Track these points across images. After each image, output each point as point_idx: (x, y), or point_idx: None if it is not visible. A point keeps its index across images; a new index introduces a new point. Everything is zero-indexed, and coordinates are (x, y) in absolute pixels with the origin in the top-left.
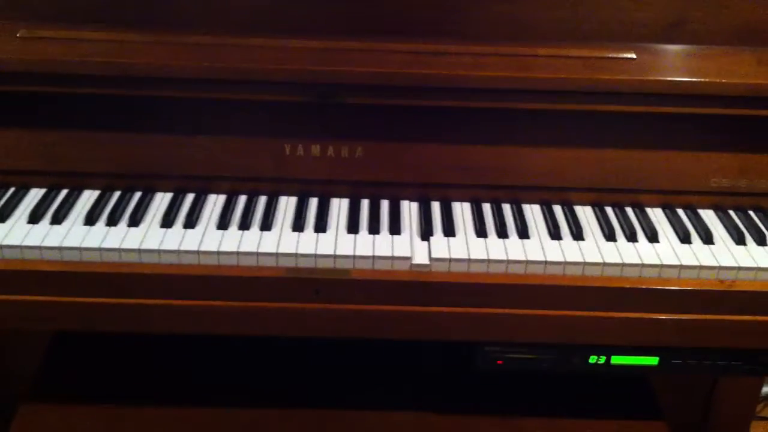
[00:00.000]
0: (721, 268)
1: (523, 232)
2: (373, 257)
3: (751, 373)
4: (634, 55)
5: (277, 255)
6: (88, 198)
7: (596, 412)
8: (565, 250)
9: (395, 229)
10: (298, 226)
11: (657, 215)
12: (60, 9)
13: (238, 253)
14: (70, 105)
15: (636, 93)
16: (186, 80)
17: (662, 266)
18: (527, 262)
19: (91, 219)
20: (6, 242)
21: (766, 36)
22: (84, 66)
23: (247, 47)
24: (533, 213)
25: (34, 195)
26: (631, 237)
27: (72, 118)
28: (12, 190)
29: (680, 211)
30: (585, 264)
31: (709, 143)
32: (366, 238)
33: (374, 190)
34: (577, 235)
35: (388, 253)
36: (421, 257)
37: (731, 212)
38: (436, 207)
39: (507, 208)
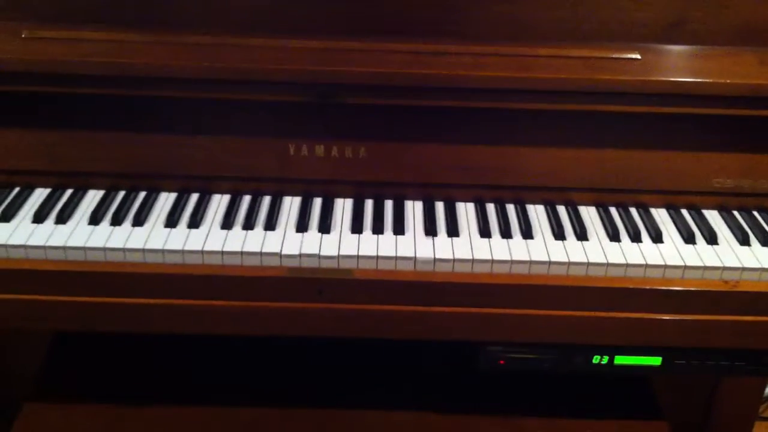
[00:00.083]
0: (725, 268)
1: (527, 233)
2: (377, 257)
3: (755, 373)
4: (636, 56)
5: (280, 255)
6: (92, 198)
7: (597, 412)
8: (569, 251)
9: (399, 229)
10: (301, 226)
11: (661, 216)
12: (61, 9)
13: (242, 253)
14: (72, 105)
15: (637, 93)
16: (186, 80)
17: (666, 267)
18: (531, 262)
19: (95, 219)
20: (11, 242)
21: None
22: (85, 66)
23: (247, 47)
24: (537, 213)
25: (39, 195)
26: (635, 237)
27: (74, 118)
28: (17, 189)
29: (684, 212)
30: (589, 264)
31: (711, 143)
32: (370, 238)
33: (378, 190)
34: (581, 235)
35: (392, 253)
36: (424, 257)
37: (735, 213)
38: (439, 207)
39: (511, 209)
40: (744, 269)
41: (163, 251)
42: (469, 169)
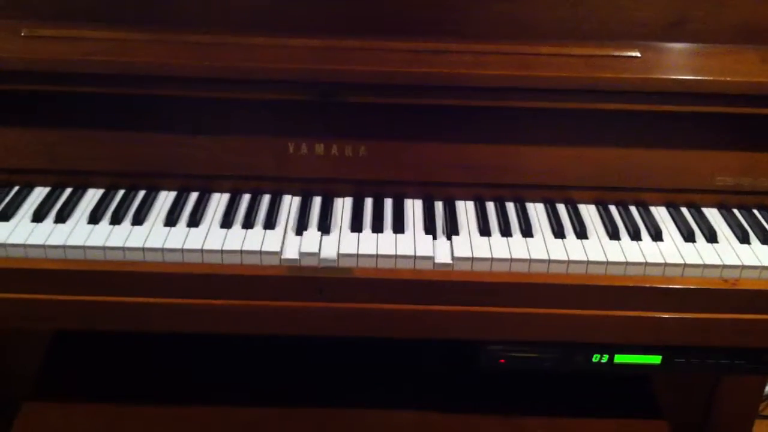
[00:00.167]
0: (725, 266)
1: (527, 231)
2: (377, 256)
3: (755, 372)
4: (636, 54)
5: (280, 254)
6: (92, 197)
7: (597, 412)
8: (569, 249)
9: (398, 227)
10: (301, 225)
11: (661, 214)
12: (61, 8)
13: (241, 251)
14: (73, 104)
15: (638, 91)
16: (187, 79)
17: (666, 265)
18: (531, 260)
19: (95, 218)
20: (10, 241)
21: None
22: (85, 65)
23: (248, 46)
24: (537, 211)
25: (38, 194)
26: (635, 236)
27: (74, 117)
28: (16, 188)
29: (684, 210)
30: (589, 263)
31: (712, 142)
32: (369, 236)
33: (377, 188)
34: (581, 233)
35: (392, 252)
36: (424, 256)
37: (735, 211)
38: (439, 206)
39: (510, 207)
40: (744, 267)
41: (162, 250)
42: (470, 167)
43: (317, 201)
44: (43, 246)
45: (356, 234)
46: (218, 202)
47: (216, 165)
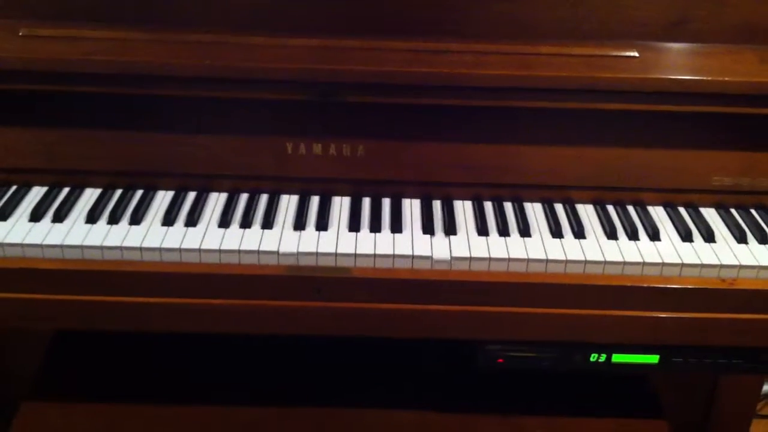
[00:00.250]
0: (722, 266)
1: (525, 231)
2: (374, 255)
3: (752, 371)
4: (636, 54)
5: (278, 253)
6: (89, 196)
7: (597, 411)
8: (567, 249)
9: (396, 227)
10: (299, 224)
11: (659, 213)
12: (60, 8)
13: (239, 251)
14: (71, 103)
15: (637, 91)
16: (187, 79)
17: (664, 264)
18: (529, 260)
19: (92, 217)
20: (7, 240)
21: None
22: (85, 64)
23: (248, 46)
24: (535, 211)
25: (36, 193)
26: (633, 235)
27: (73, 117)
28: (14, 188)
29: (682, 210)
30: (586, 262)
31: (710, 141)
32: (367, 236)
33: (376, 188)
34: (579, 233)
35: (390, 252)
36: (422, 256)
37: (733, 210)
38: (437, 205)
39: (508, 207)
40: (741, 267)
41: (160, 250)
42: (469, 167)
43: (315, 201)
44: (40, 245)
45: (354, 233)
46: (216, 201)
47: (215, 164)
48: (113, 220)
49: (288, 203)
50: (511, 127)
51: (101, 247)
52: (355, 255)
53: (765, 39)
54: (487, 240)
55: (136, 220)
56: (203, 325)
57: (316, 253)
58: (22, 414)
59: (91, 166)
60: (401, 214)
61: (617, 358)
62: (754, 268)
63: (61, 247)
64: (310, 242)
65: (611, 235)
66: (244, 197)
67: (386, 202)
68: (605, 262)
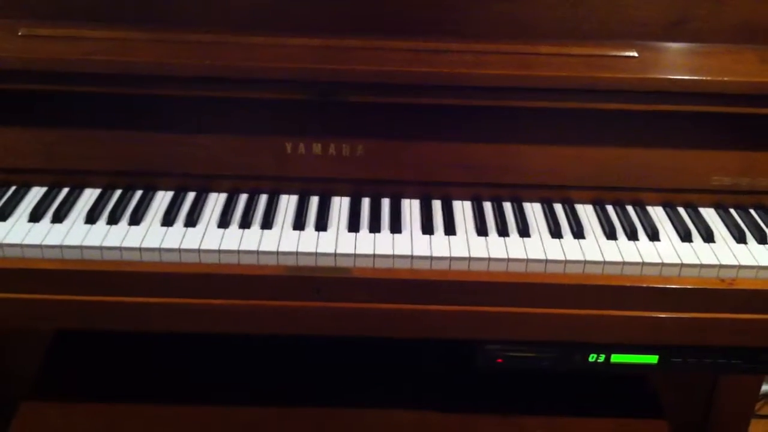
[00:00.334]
0: (721, 266)
1: (524, 231)
2: (374, 256)
3: (751, 371)
4: (635, 53)
5: (277, 253)
6: (89, 196)
7: (597, 411)
8: (566, 249)
9: (396, 227)
10: (298, 224)
11: (658, 213)
12: (60, 7)
13: (239, 251)
14: (71, 103)
15: (637, 91)
16: (187, 79)
17: (663, 265)
18: (528, 260)
19: (92, 217)
20: (7, 241)
21: None
22: (85, 64)
23: (249, 45)
24: (534, 211)
25: (35, 193)
26: (632, 235)
27: (72, 117)
28: (13, 188)
29: (681, 210)
30: (586, 262)
31: (710, 141)
32: (367, 236)
33: (375, 188)
34: (578, 233)
35: (389, 252)
36: (421, 256)
37: (732, 210)
38: (437, 205)
39: (508, 207)
40: (741, 267)
41: (159, 250)
42: (469, 167)
43: (315, 201)
44: (39, 246)
45: (353, 234)
46: (215, 201)
47: (214, 164)
48: (112, 220)
49: (287, 203)
50: (511, 126)
51: (100, 248)
52: (355, 255)
53: (765, 39)
54: (486, 240)
55: (135, 220)
56: (203, 325)
57: (316, 254)
58: (21, 414)
59: (91, 166)
60: (401, 214)
61: (616, 358)
62: (753, 268)
63: (61, 247)
64: (310, 242)
65: (610, 235)
66: (243, 197)
67: (386, 202)
68: (604, 263)
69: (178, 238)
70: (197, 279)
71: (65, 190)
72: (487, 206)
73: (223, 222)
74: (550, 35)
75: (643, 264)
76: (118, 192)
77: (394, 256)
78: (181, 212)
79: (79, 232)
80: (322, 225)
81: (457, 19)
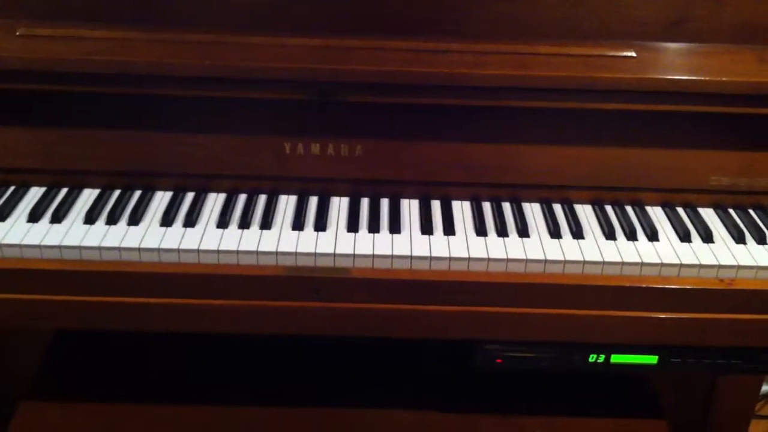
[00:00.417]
0: (720, 266)
1: (523, 231)
2: (373, 256)
3: (751, 371)
4: (634, 54)
5: (276, 254)
6: (87, 197)
7: (597, 411)
8: (565, 249)
9: (395, 227)
10: (297, 224)
11: (657, 214)
12: (59, 7)
13: (238, 252)
14: (70, 103)
15: (636, 91)
16: (187, 78)
17: (662, 265)
18: (527, 260)
19: (90, 218)
20: (5, 241)
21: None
22: (85, 64)
23: (248, 45)
24: (533, 211)
25: (34, 194)
26: (631, 236)
27: (72, 117)
28: (12, 188)
29: (680, 210)
30: (585, 263)
31: (709, 141)
32: (366, 236)
33: (374, 188)
34: (577, 233)
35: (388, 252)
36: (420, 256)
37: (731, 211)
38: (436, 205)
39: (507, 207)
40: (740, 267)
41: (158, 250)
42: (469, 167)
43: (314, 201)
44: (38, 246)
45: (352, 234)
46: (215, 201)
47: (214, 164)
48: (111, 220)
49: (286, 203)
50: (510, 126)
51: (99, 248)
52: (354, 255)
53: (764, 39)
54: (485, 240)
55: (134, 220)
56: (202, 325)
57: (315, 254)
58: (21, 414)
59: (90, 167)
60: (400, 214)
61: (616, 358)
62: (752, 269)
63: (60, 247)
64: (309, 243)
65: (610, 235)
66: (242, 197)
67: (385, 203)
68: (604, 263)
69: (177, 238)
70: (196, 279)
71: (64, 191)
72: (486, 206)
73: (223, 222)
74: (549, 35)
75: (642, 264)
76: (117, 192)
77: (393, 257)
78: (180, 212)
79: (78, 233)
80: (321, 225)
81: (457, 19)
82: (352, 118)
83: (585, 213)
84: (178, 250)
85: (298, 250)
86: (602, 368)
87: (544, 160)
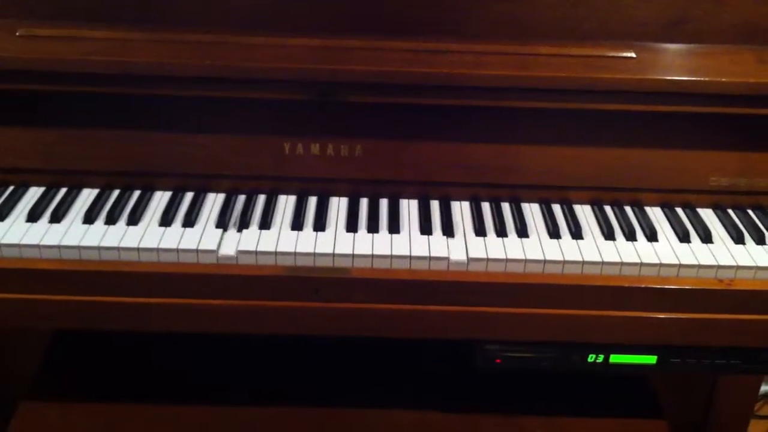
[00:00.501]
0: (719, 267)
1: (522, 231)
2: (372, 256)
3: (750, 371)
4: (633, 54)
5: (276, 254)
6: (87, 196)
7: (597, 411)
8: (564, 249)
9: (394, 227)
10: (297, 224)
11: (656, 214)
12: (59, 7)
13: (237, 251)
14: (70, 103)
15: (636, 92)
16: (187, 78)
17: (661, 265)
18: (526, 261)
19: (89, 217)
20: (5, 241)
21: (767, 34)
22: (85, 64)
23: (248, 45)
24: (532, 212)
25: (33, 193)
26: (630, 236)
27: (72, 117)
28: (11, 188)
29: (679, 210)
30: (584, 263)
31: (708, 142)
32: (365, 236)
33: (374, 188)
34: (576, 234)
35: (387, 252)
36: (420, 256)
37: (730, 211)
38: (435, 206)
39: (506, 207)
40: (739, 268)
41: (157, 250)
42: (469, 167)
43: (313, 201)
44: (37, 246)
45: (352, 234)
46: (214, 201)
47: (213, 164)
48: (111, 220)
49: (286, 203)
50: (510, 127)
51: (98, 248)
52: (353, 255)
53: (763, 39)
54: (484, 241)
55: (133, 220)
56: (202, 325)
57: (314, 254)
58: (20, 414)
59: (90, 167)
60: (399, 214)
61: (615, 358)
62: (751, 269)
63: (59, 247)
64: (308, 243)
65: (609, 235)
66: (241, 197)
67: (384, 203)
68: (603, 263)
69: (176, 238)
70: (196, 279)
71: (63, 190)
72: (486, 207)
73: (222, 222)
74: (549, 35)
75: (642, 264)
76: (116, 192)
77: (392, 257)
78: (179, 212)
79: (77, 232)
80: (320, 225)
81: (457, 19)
82: (351, 118)
83: (584, 213)
84: (177, 250)
85: (298, 250)
86: (601, 368)
87: (543, 160)
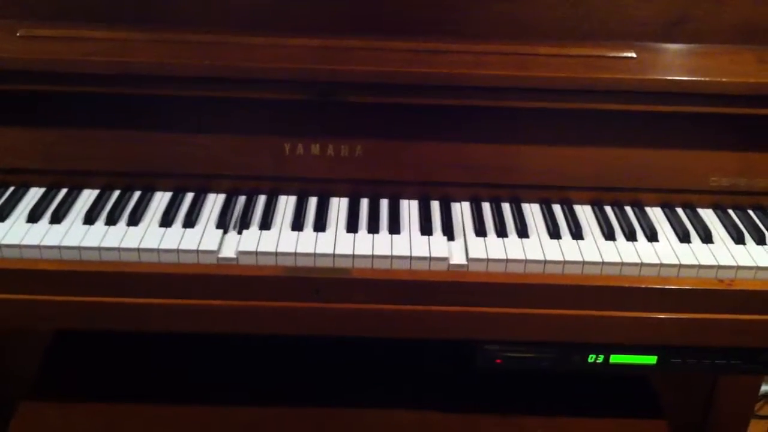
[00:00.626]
0: (720, 267)
1: (523, 231)
2: (372, 256)
3: (750, 371)
4: (633, 54)
5: (276, 254)
6: (87, 197)
7: (597, 411)
8: (565, 250)
9: (394, 228)
10: (297, 225)
11: (656, 214)
12: (59, 8)
13: (237, 252)
14: (70, 103)
15: (636, 92)
16: (187, 78)
17: (661, 265)
18: (526, 261)
19: (90, 218)
20: (5, 241)
21: (767, 34)
22: (85, 64)
23: (248, 46)
24: (532, 212)
25: (34, 194)
26: (631, 236)
27: (72, 117)
28: (11, 189)
29: (679, 210)
30: (584, 263)
31: (708, 142)
32: (365, 237)
33: (374, 188)
34: (577, 234)
35: (388, 253)
36: (420, 257)
37: (730, 211)
38: (435, 206)
39: (506, 207)
40: (739, 268)
41: (158, 251)
42: (469, 167)
43: (313, 201)
44: (38, 246)
45: (352, 234)
46: (214, 202)
47: (214, 164)
48: (111, 221)
49: (286, 204)
50: (510, 127)
51: (99, 248)
52: (353, 256)
53: (763, 39)
54: (485, 241)
55: (134, 221)
56: (202, 325)
57: (314, 254)
58: (20, 414)
59: (90, 167)
60: (399, 215)
61: (615, 358)
62: (751, 269)
63: (59, 248)
64: (308, 243)
65: (609, 236)
66: (242, 198)
67: (384, 203)
68: (603, 263)
69: (177, 238)
70: (196, 280)
71: (64, 191)
72: (486, 207)
73: (222, 223)
74: (549, 35)
75: (642, 265)
76: (117, 192)
77: (392, 257)
78: (179, 213)
79: (78, 233)
80: (320, 225)
81: (457, 19)
82: (351, 118)
83: (584, 213)
84: (178, 251)
85: (298, 251)
86: (602, 368)
87: (543, 160)
